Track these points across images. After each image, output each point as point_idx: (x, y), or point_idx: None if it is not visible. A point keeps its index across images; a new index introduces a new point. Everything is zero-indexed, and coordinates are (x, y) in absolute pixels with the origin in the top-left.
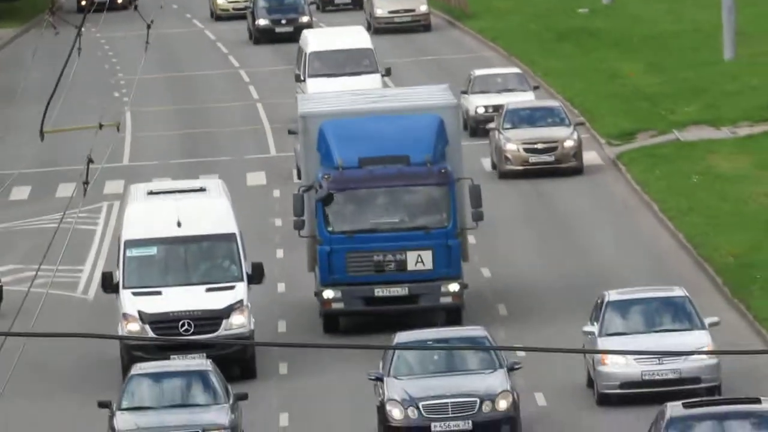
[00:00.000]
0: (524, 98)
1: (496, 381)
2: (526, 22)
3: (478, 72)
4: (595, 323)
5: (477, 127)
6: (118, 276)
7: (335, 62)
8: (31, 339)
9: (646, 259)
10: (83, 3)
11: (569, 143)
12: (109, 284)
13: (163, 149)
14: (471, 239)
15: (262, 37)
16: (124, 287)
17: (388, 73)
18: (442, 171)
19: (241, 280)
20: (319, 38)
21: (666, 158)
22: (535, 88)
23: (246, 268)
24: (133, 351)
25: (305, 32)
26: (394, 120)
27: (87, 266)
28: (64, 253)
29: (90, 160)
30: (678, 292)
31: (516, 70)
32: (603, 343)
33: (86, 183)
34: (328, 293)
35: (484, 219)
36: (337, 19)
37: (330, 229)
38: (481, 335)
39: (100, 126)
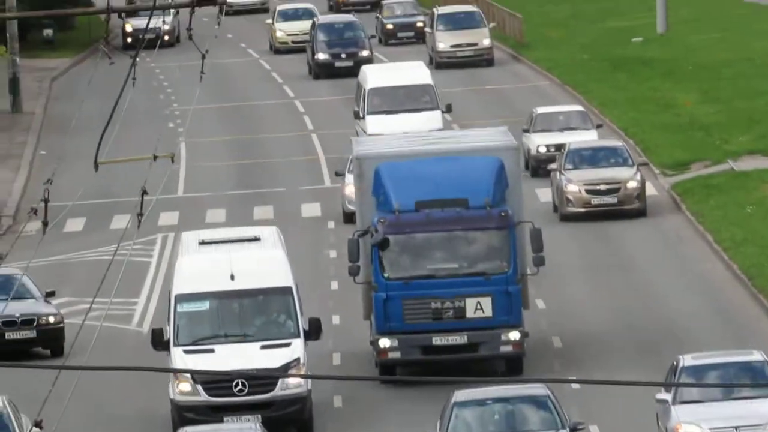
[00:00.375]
0: (587, 137)
1: None
2: (580, 51)
3: (540, 110)
4: (670, 390)
5: (538, 167)
6: (169, 332)
7: (395, 99)
8: (85, 375)
9: (705, 296)
10: (129, 40)
11: (632, 184)
12: (159, 341)
13: (218, 180)
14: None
15: (322, 71)
16: (175, 345)
17: (448, 109)
18: (503, 214)
19: (298, 336)
20: (379, 74)
21: (720, 188)
22: (598, 126)
23: (302, 324)
24: (185, 413)
25: (364, 68)
26: (452, 162)
27: (142, 299)
28: (119, 285)
29: (144, 192)
30: (756, 356)
31: (579, 107)
32: (677, 411)
33: (141, 215)
34: (385, 342)
35: (546, 264)
36: (399, 53)
37: (386, 275)
38: (543, 394)
39: (155, 157)
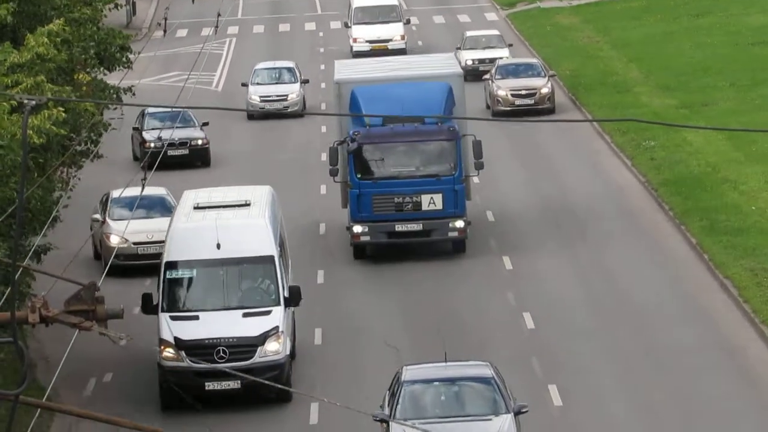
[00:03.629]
0: (501, 53)
1: (503, 426)
2: None
3: (468, 33)
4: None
5: (467, 75)
6: (157, 297)
7: (372, 14)
8: None
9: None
10: None
11: (545, 90)
12: (149, 306)
13: (259, 9)
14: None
15: None
16: (163, 310)
17: (408, 21)
18: (451, 129)
19: (278, 304)
20: None
21: (533, 17)
22: (509, 45)
23: (284, 292)
24: (170, 376)
25: None
26: (411, 86)
27: (217, 72)
28: (204, 65)
29: (219, 14)
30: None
31: (496, 32)
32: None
33: (217, 27)
34: (357, 228)
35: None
36: None
37: (359, 176)
38: (488, 375)
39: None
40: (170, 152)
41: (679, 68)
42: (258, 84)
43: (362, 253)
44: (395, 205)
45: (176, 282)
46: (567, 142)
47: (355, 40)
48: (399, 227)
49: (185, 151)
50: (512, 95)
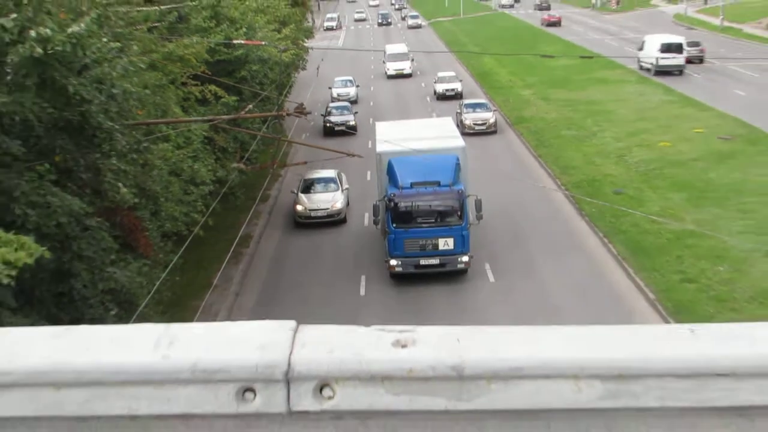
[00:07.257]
0: (456, 85)
1: None
2: None
3: (440, 74)
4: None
5: (439, 97)
6: None
7: (395, 57)
8: None
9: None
10: None
11: (491, 120)
12: None
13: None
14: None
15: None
16: None
17: (412, 60)
18: (459, 191)
19: None
20: (390, 49)
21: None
22: (460, 81)
23: None
24: None
25: (386, 46)
26: (432, 158)
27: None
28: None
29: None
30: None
31: (453, 73)
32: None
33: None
34: (393, 262)
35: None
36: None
37: (394, 225)
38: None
39: None
40: (336, 129)
41: None
42: (335, 88)
43: (396, 277)
44: (420, 246)
45: None
46: None
47: (387, 69)
48: (423, 261)
49: (344, 128)
50: (473, 123)
